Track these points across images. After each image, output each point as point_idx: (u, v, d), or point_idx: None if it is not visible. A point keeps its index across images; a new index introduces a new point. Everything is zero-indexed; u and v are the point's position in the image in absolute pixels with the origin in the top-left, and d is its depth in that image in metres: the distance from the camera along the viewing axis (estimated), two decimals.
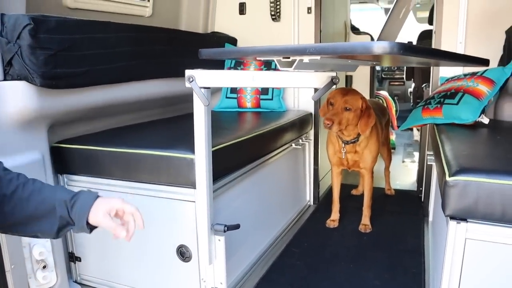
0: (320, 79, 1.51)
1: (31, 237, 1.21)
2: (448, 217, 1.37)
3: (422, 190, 3.12)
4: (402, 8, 1.55)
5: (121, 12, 2.63)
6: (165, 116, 2.67)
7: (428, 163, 2.56)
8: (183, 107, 2.74)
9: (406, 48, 1.12)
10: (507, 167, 1.34)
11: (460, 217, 1.35)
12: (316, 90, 1.54)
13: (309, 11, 3.01)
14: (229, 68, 3.01)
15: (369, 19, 7.02)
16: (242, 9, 3.21)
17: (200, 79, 1.46)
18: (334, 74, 1.51)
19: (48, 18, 1.72)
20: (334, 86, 1.50)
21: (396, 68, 6.83)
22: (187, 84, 1.48)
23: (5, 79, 1.70)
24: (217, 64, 2.98)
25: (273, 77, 1.51)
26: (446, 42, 2.74)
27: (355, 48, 1.13)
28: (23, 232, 1.17)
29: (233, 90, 2.98)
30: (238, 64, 3.01)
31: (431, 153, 2.30)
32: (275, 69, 1.62)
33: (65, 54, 1.77)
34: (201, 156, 1.59)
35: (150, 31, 2.39)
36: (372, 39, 4.30)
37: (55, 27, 1.74)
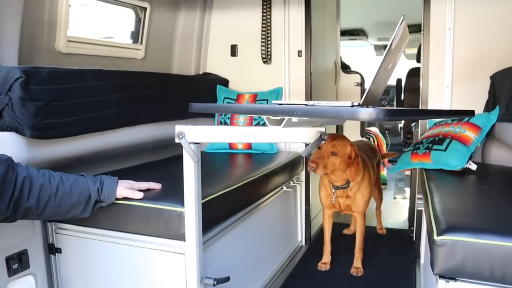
0: (309, 134, 1.53)
1: (68, 218, 1.68)
2: (437, 275, 1.36)
3: (413, 229, 3.12)
4: (389, 63, 1.59)
5: (113, 56, 2.67)
6: (155, 159, 2.67)
7: (418, 208, 2.57)
8: (173, 148, 2.74)
9: (392, 114, 1.14)
10: (493, 226, 1.35)
11: (449, 276, 1.34)
12: (306, 144, 1.56)
13: (300, 54, 3.07)
14: (220, 115, 3.04)
15: (359, 55, 7.16)
16: (234, 51, 3.26)
17: (190, 135, 1.47)
18: (322, 129, 1.53)
19: (39, 70, 1.74)
20: (323, 142, 1.52)
21: (386, 102, 6.94)
22: (177, 140, 1.49)
23: None
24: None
25: (262, 132, 1.52)
26: (433, 86, 2.79)
27: (342, 114, 1.15)
28: (63, 217, 1.65)
29: None
30: None
31: (421, 196, 2.31)
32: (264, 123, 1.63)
33: (55, 104, 1.79)
34: (190, 210, 1.59)
35: (141, 76, 2.41)
36: (362, 78, 4.38)
37: (47, 78, 1.75)
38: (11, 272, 1.80)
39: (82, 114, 1.93)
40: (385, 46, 7.11)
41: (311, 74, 3.08)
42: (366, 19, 6.04)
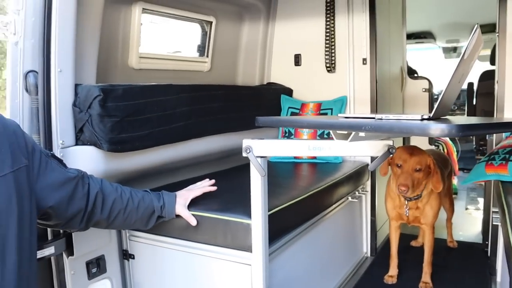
0: (376, 147, 1.51)
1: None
2: None
3: (488, 244, 2.95)
4: (461, 73, 1.53)
5: (181, 69, 2.78)
6: (221, 168, 2.73)
7: (494, 223, 2.43)
8: (239, 158, 2.80)
9: (466, 129, 1.10)
10: None
11: None
12: (372, 158, 1.53)
13: (365, 62, 3.02)
14: None
15: (426, 59, 6.90)
16: (297, 60, 3.28)
17: (257, 149, 1.50)
18: (390, 142, 1.50)
19: (115, 87, 1.85)
20: (391, 155, 1.48)
21: (456, 107, 6.62)
22: (244, 154, 1.52)
23: (76, 144, 1.84)
24: (274, 113, 3.06)
25: (329, 146, 1.52)
26: (510, 91, 2.63)
27: (411, 130, 1.13)
28: (127, 228, 1.92)
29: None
30: (294, 115, 3.05)
31: (497, 210, 2.18)
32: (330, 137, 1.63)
33: (130, 119, 1.89)
34: (257, 222, 1.62)
35: (208, 89, 2.49)
36: (430, 83, 4.21)
37: (122, 95, 1.86)
38: (90, 276, 1.93)
39: (153, 128, 2.03)
40: (454, 49, 6.80)
41: (376, 82, 3.01)
42: (434, 21, 5.81)
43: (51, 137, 1.74)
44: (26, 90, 1.72)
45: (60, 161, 1.50)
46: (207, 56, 2.95)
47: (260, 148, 1.50)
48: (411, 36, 6.02)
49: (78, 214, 1.52)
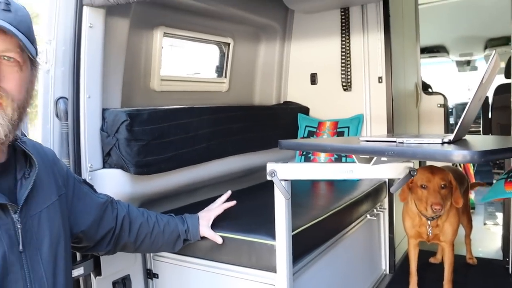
0: (397, 170, 1.54)
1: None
2: None
3: (508, 260, 2.93)
4: (480, 96, 1.56)
5: (200, 90, 2.85)
6: (242, 187, 2.77)
7: None
8: (258, 176, 2.86)
9: (488, 154, 1.13)
10: None
11: None
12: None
13: (380, 80, 3.06)
14: (303, 137, 3.10)
15: (440, 73, 6.91)
16: (313, 79, 3.33)
17: (281, 173, 1.54)
18: (411, 165, 1.54)
19: (141, 112, 1.92)
20: (412, 178, 1.52)
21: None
22: (269, 178, 1.56)
23: (103, 167, 1.90)
24: (291, 132, 3.11)
25: (351, 169, 1.55)
26: None
27: (434, 156, 1.16)
28: (155, 252, 1.98)
29: (307, 159, 3.05)
30: (311, 134, 3.09)
31: None
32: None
33: (155, 142, 1.95)
34: (282, 243, 1.65)
35: (227, 110, 2.55)
36: (445, 98, 4.23)
37: (147, 119, 1.93)
38: None
39: (177, 150, 2.09)
40: (468, 62, 6.80)
41: (392, 100, 3.05)
42: (447, 35, 5.84)
43: (80, 161, 1.81)
44: (57, 115, 1.80)
45: (91, 186, 1.56)
46: (225, 77, 3.01)
47: (285, 172, 1.54)
48: (424, 50, 6.05)
49: (106, 237, 1.57)
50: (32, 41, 1.10)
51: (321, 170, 1.60)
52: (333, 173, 1.57)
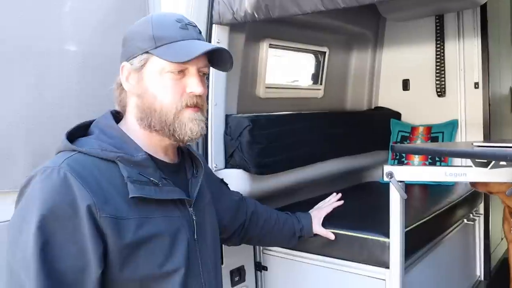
0: None
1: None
2: None
3: None
4: None
5: (298, 97, 3.03)
6: (341, 187, 2.88)
7: None
8: (353, 178, 3.00)
9: None
10: None
11: None
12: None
13: (476, 86, 3.06)
14: (395, 142, 3.18)
15: None
16: (406, 85, 3.39)
17: (398, 174, 1.66)
18: None
19: (259, 117, 2.13)
20: None
21: None
22: (386, 179, 1.69)
23: (225, 167, 2.13)
24: (383, 136, 3.20)
25: (464, 172, 1.64)
26: None
27: None
28: (274, 245, 2.17)
29: (400, 163, 3.11)
30: (404, 138, 3.16)
31: None
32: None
33: (271, 145, 2.15)
34: (396, 240, 1.77)
35: (329, 116, 2.72)
36: None
37: (265, 124, 2.14)
38: (233, 283, 2.19)
39: (288, 153, 2.28)
40: None
41: (489, 106, 3.04)
42: None
43: (207, 161, 2.05)
44: None
45: (226, 185, 1.77)
46: (321, 84, 3.16)
47: (401, 173, 1.66)
48: None
49: (237, 230, 1.78)
50: None
51: (434, 172, 1.71)
52: (446, 175, 1.66)
